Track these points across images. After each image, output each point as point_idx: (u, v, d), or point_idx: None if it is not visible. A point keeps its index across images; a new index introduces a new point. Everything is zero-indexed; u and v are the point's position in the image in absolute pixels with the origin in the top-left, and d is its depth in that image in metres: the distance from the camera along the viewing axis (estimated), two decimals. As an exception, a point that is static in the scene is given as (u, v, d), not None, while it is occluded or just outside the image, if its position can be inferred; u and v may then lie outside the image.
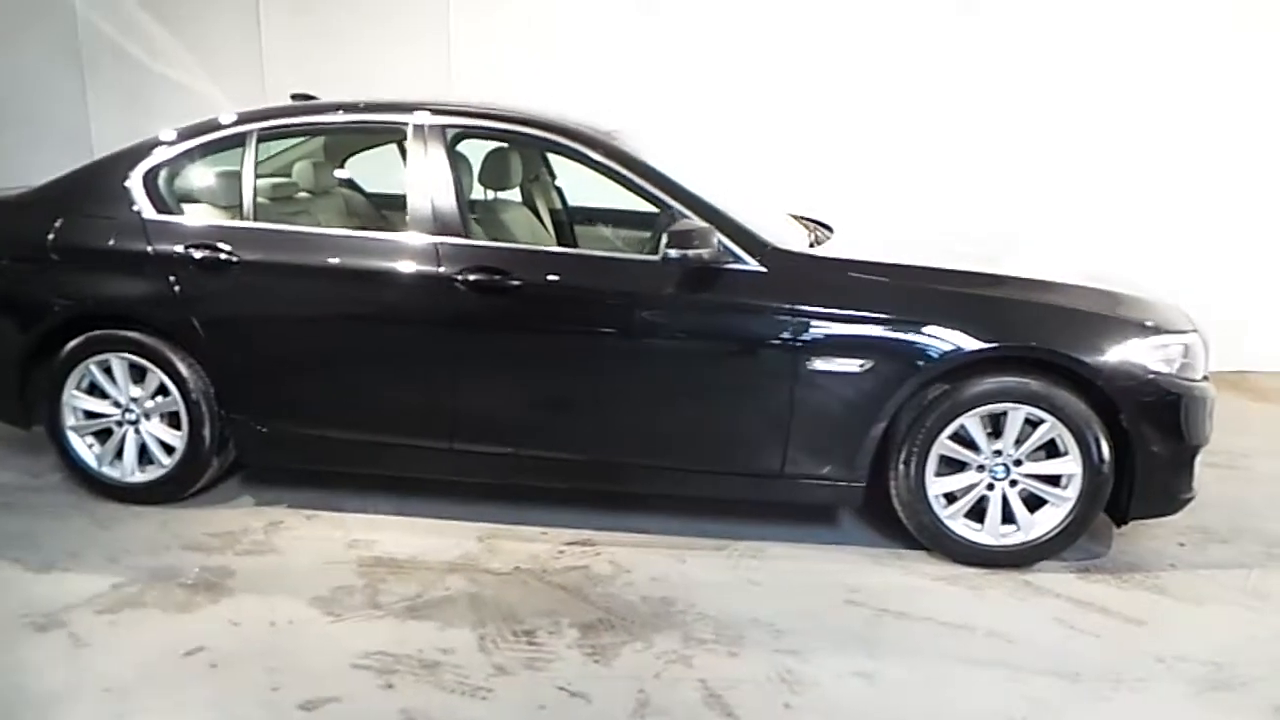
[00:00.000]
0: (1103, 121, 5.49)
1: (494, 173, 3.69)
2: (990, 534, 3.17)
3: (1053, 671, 2.61)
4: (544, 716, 2.38)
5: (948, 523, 3.16)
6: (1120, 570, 3.22)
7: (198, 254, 3.33)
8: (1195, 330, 3.17)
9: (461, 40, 6.15)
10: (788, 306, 3.07)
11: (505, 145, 3.73)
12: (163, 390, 3.44)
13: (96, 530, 3.37)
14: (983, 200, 5.50)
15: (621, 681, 2.52)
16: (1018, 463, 3.11)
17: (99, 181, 3.51)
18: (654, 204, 3.24)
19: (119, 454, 3.53)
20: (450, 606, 2.90)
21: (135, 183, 3.46)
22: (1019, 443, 3.09)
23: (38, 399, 3.55)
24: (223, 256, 3.32)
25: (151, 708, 2.38)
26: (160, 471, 3.51)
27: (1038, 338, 2.99)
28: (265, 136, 3.49)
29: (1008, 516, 3.16)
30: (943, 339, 3.01)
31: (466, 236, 3.26)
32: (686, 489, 3.35)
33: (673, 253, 3.00)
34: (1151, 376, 3.01)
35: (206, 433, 3.44)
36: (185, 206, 3.51)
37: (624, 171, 3.22)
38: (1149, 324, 3.07)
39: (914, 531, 3.22)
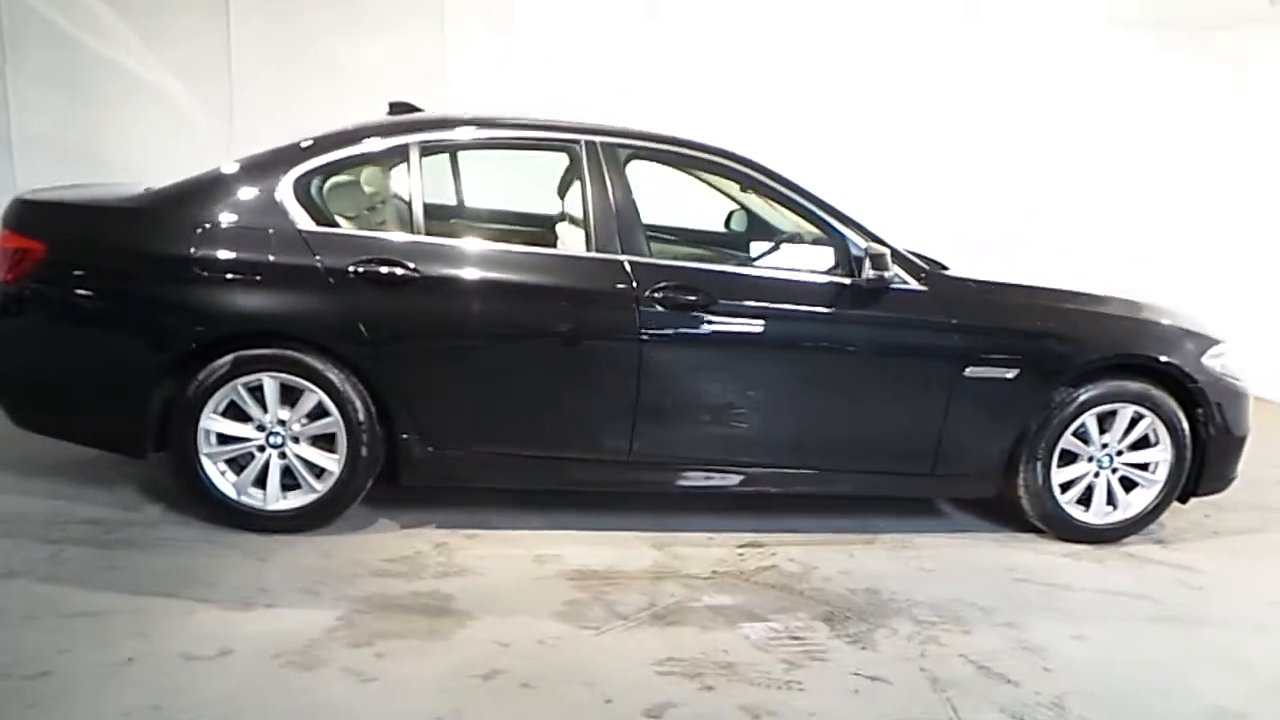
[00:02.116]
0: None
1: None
2: (1096, 515, 3.73)
3: (1207, 622, 3.20)
4: (863, 701, 2.60)
5: (1065, 508, 3.69)
6: (1184, 539, 3.90)
7: (375, 269, 3.20)
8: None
9: (456, 40, 6.04)
10: (946, 321, 3.47)
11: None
12: (319, 411, 3.27)
13: (258, 564, 3.15)
14: (976, 209, 6.18)
15: (900, 664, 2.80)
16: (1119, 453, 3.69)
17: (241, 190, 3.27)
18: (821, 228, 3.52)
19: (258, 481, 3.31)
20: (690, 612, 3.02)
21: (286, 192, 3.26)
22: (1123, 436, 3.67)
23: (158, 424, 3.26)
24: (402, 272, 3.22)
25: (502, 732, 2.37)
26: (310, 497, 3.32)
27: (1154, 349, 3.59)
28: (429, 150, 3.41)
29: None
30: (1076, 349, 3.54)
31: (650, 255, 3.39)
32: (845, 489, 3.65)
33: (871, 273, 3.32)
34: (1218, 378, 3.69)
35: (366, 454, 3.30)
36: (340, 218, 3.36)
37: (796, 198, 3.50)
38: (1210, 335, 3.76)
39: (1036, 517, 3.71)
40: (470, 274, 3.28)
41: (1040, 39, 6.29)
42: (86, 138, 5.91)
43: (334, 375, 3.23)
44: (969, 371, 3.48)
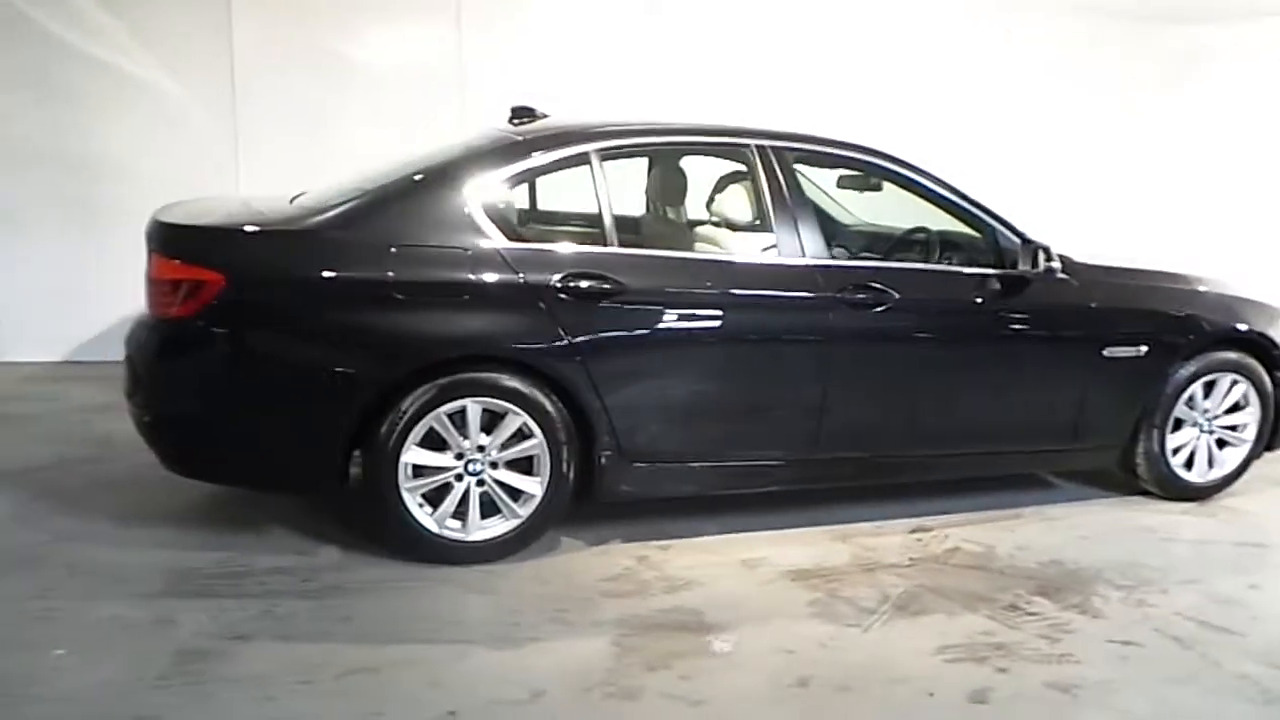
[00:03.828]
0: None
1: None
2: (1199, 475, 4.11)
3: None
4: (1137, 665, 2.78)
5: (1176, 470, 4.05)
6: (1261, 490, 4.31)
7: (582, 284, 3.11)
8: None
9: (474, 34, 5.81)
10: (1089, 307, 3.73)
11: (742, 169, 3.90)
12: (520, 434, 3.15)
13: (483, 597, 3.02)
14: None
15: (1135, 627, 3.01)
16: (1216, 417, 4.08)
17: (425, 207, 3.10)
18: (974, 227, 3.69)
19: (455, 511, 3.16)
20: (924, 600, 3.13)
21: (475, 208, 3.11)
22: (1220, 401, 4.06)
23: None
24: (608, 286, 3.14)
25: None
26: (512, 523, 3.20)
27: (1252, 323, 3.98)
28: (608, 156, 3.32)
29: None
30: (1192, 326, 3.88)
31: (833, 258, 3.46)
32: (1005, 469, 3.89)
33: (1043, 264, 3.53)
34: (1284, 344, 4.14)
35: (569, 474, 3.22)
36: (526, 231, 3.24)
37: (953, 198, 3.65)
38: (1273, 306, 4.21)
39: (1150, 481, 4.05)
40: (668, 283, 3.25)
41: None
42: (77, 141, 5.35)
43: (539, 396, 3.12)
44: (1106, 351, 3.75)
